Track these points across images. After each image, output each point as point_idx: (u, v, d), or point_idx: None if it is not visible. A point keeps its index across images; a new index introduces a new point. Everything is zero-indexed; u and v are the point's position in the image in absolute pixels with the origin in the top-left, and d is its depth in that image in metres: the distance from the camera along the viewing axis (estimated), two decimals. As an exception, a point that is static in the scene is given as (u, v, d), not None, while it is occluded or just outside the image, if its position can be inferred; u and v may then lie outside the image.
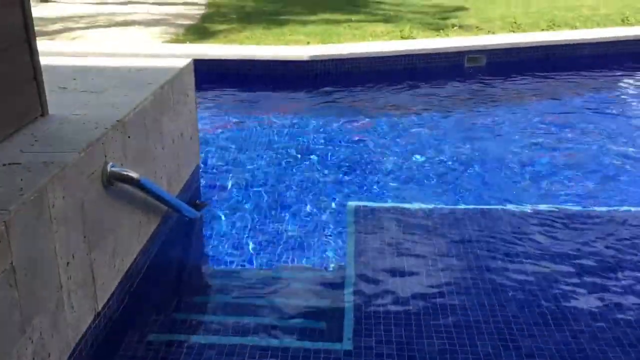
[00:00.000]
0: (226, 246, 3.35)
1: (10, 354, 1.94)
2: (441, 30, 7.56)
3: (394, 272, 3.09)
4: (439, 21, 8.19)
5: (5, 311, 1.91)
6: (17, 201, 2.00)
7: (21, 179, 2.15)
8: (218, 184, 4.07)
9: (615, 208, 3.72)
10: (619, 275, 3.03)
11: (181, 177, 3.70)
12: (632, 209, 3.70)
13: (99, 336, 2.56)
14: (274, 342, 2.61)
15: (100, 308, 2.57)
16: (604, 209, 3.72)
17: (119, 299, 2.76)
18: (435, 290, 2.94)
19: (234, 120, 5.33)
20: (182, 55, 4.11)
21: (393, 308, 2.82)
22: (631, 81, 6.36)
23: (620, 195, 3.89)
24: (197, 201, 3.78)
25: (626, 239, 3.36)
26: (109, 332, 2.62)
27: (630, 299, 2.85)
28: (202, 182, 4.10)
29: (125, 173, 2.64)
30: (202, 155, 4.35)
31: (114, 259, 2.69)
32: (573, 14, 8.28)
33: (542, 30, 7.46)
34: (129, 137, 2.82)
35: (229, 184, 4.06)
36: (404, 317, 2.75)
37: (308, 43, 7.01)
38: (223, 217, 3.63)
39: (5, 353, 1.92)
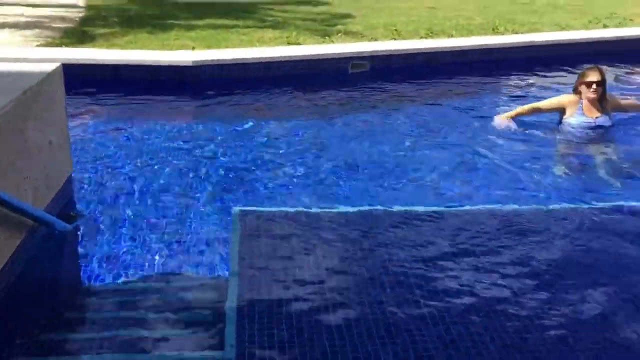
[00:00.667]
0: (102, 259, 3.18)
1: None
2: (327, 37, 7.70)
3: (278, 276, 3.08)
4: (325, 28, 8.34)
5: None
6: None
7: None
8: (95, 194, 3.88)
9: (488, 206, 3.90)
10: (491, 269, 3.19)
11: (51, 187, 3.48)
12: (504, 206, 3.90)
13: (-48, 365, 2.34)
14: (152, 357, 2.52)
15: (-48, 334, 2.35)
16: (478, 207, 3.89)
17: (-23, 323, 2.54)
18: (317, 292, 2.96)
19: (114, 127, 5.11)
20: (57, 59, 3.89)
21: (276, 312, 2.80)
22: (499, 86, 6.78)
23: (497, 194, 4.09)
24: (71, 212, 3.58)
25: (493, 234, 3.55)
26: (-35, 360, 2.41)
27: (502, 292, 2.99)
28: (76, 192, 3.88)
29: (-22, 186, 2.44)
30: (77, 164, 4.13)
31: (-31, 280, 2.48)
32: (450, 22, 8.74)
33: (422, 37, 7.80)
34: (-16, 146, 2.61)
35: (107, 194, 3.88)
36: (287, 320, 2.74)
37: (193, 48, 6.89)
38: (99, 229, 3.45)
39: None
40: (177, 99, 6.01)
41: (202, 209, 3.74)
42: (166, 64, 6.23)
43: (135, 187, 4.01)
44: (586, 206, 3.88)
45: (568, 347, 2.62)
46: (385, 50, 7.07)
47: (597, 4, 10.74)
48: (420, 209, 3.85)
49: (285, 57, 6.66)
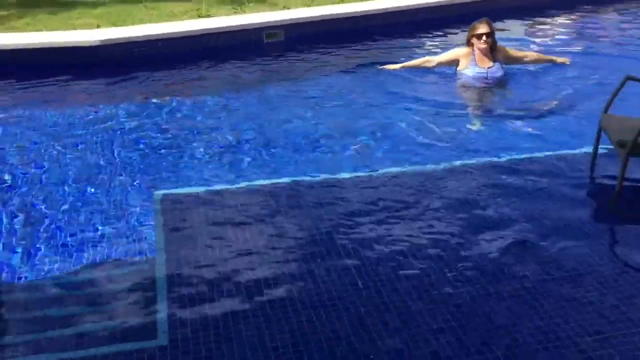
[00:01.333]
0: (17, 255, 3.04)
1: None
2: (238, 7, 7.53)
3: (207, 259, 3.03)
4: (235, -2, 8.15)
5: None
6: None
7: None
8: (2, 185, 3.67)
9: (409, 167, 3.97)
10: (418, 229, 3.26)
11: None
12: (424, 166, 3.99)
13: None
14: (80, 353, 2.44)
15: None
16: (401, 169, 3.94)
17: None
18: (249, 272, 2.94)
19: (18, 115, 4.84)
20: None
21: (208, 295, 2.77)
22: (414, 48, 6.85)
23: (413, 154, 4.17)
24: (-21, 211, 3.38)
25: (416, 194, 3.63)
26: None
27: (429, 250, 3.08)
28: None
29: None
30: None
31: None
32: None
33: (334, 4, 7.76)
34: None
35: (17, 184, 3.69)
36: (219, 303, 2.72)
37: (98, 26, 6.57)
38: (11, 222, 3.28)
39: None
40: (85, 81, 5.73)
41: (122, 195, 3.62)
42: (71, 45, 5.92)
43: (47, 174, 3.83)
44: (499, 159, 4.04)
45: (489, 298, 2.74)
46: (299, 18, 6.99)
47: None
48: (343, 175, 3.88)
49: (197, 30, 6.48)
